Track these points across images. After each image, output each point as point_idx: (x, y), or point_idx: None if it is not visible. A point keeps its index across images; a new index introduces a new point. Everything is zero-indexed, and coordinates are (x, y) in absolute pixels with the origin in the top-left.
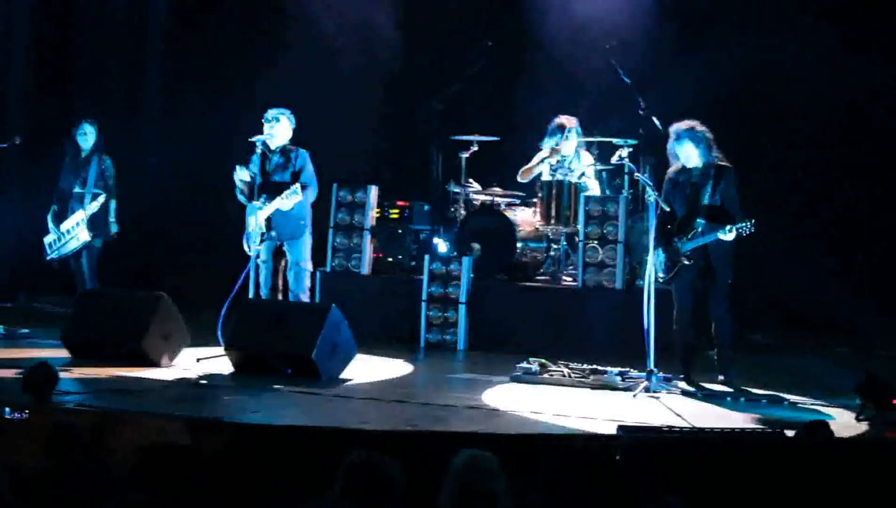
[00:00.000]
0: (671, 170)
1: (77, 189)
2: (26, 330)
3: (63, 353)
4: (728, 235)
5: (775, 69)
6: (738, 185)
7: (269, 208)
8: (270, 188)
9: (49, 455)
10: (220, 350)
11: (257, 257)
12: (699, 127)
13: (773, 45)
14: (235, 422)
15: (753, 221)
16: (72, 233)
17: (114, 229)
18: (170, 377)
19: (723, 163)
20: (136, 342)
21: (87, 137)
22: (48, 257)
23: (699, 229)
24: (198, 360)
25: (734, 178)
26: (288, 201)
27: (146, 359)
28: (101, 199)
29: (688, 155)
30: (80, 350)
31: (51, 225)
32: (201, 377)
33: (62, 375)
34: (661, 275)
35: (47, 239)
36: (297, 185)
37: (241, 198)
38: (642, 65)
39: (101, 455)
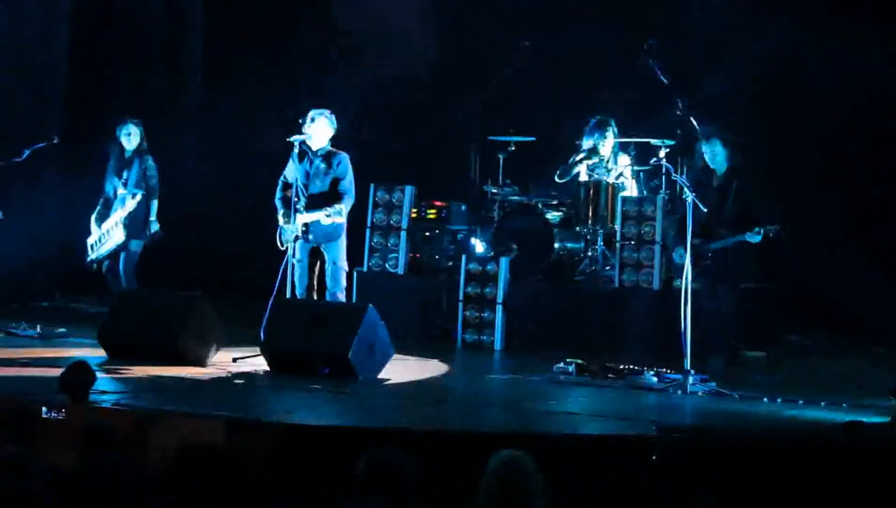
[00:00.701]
0: (696, 170)
1: (120, 190)
2: (63, 329)
3: (99, 353)
4: (756, 237)
5: (817, 63)
6: (756, 187)
7: (308, 218)
8: (310, 197)
9: (85, 454)
10: (257, 350)
11: (292, 254)
12: (727, 130)
13: (813, 37)
14: (272, 422)
15: (778, 226)
16: (110, 234)
17: (154, 227)
18: (206, 377)
19: (742, 167)
20: (172, 342)
21: (132, 137)
22: (88, 260)
23: (725, 232)
24: (234, 360)
25: (753, 181)
26: (328, 218)
27: (183, 359)
28: (139, 197)
29: (715, 155)
30: (116, 350)
31: (94, 226)
32: (238, 377)
33: (99, 374)
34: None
35: (90, 240)
36: (342, 206)
37: (280, 204)
38: (680, 64)
39: (138, 454)
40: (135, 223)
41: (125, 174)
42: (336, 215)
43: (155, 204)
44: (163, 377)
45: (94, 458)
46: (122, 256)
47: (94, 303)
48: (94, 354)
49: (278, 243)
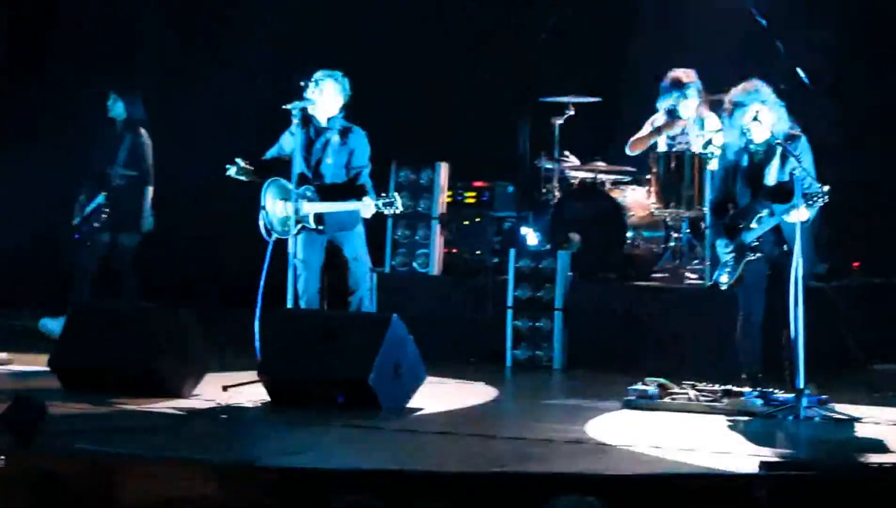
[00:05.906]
0: (728, 149)
1: (105, 169)
2: (3, 355)
3: (52, 383)
4: (798, 212)
5: None
6: (811, 154)
7: (324, 207)
8: (322, 179)
9: None
10: (254, 376)
11: (294, 253)
12: (765, 89)
13: None
14: (273, 466)
15: (827, 187)
16: (93, 220)
17: (149, 223)
18: (190, 411)
19: (794, 132)
20: (145, 366)
21: (114, 105)
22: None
23: (764, 213)
24: (224, 388)
25: (807, 147)
26: (358, 205)
27: (159, 388)
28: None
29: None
30: (74, 379)
31: (77, 207)
32: (229, 410)
33: (51, 410)
34: (724, 278)
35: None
36: (368, 200)
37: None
38: (785, 3)
39: None
40: (124, 213)
41: (113, 151)
42: (366, 209)
43: (149, 191)
44: (133, 411)
45: None
46: (115, 253)
47: (28, 316)
48: (45, 384)
49: (263, 232)
